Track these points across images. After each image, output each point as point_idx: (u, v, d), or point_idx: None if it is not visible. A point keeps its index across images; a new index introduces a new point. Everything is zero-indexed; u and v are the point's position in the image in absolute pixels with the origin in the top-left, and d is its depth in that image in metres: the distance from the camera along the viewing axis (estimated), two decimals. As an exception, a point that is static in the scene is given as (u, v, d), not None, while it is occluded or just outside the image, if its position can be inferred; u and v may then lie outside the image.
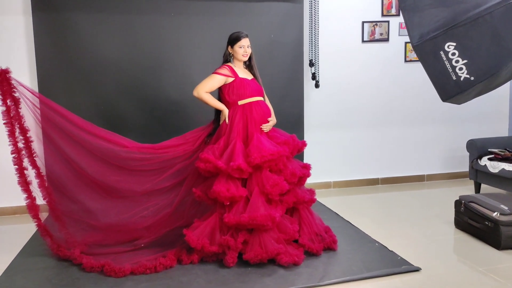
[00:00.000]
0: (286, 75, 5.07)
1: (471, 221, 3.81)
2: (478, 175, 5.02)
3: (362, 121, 5.46)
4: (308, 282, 3.03)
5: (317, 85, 5.14)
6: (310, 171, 3.63)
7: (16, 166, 3.25)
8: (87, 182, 3.50)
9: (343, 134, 5.43)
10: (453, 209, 4.09)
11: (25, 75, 4.54)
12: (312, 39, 5.10)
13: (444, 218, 4.28)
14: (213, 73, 3.53)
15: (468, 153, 5.20)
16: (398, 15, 5.32)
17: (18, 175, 3.26)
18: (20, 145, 3.26)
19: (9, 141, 3.24)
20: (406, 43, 5.42)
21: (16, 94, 3.24)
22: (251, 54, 3.60)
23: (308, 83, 5.20)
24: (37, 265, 3.39)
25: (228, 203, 3.33)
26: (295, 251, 3.31)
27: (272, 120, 3.60)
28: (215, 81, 3.50)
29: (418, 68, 5.46)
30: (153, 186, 3.56)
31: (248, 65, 3.65)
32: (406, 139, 5.63)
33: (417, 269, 3.20)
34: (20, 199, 3.34)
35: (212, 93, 3.54)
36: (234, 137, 3.46)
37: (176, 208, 3.59)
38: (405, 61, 5.48)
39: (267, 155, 3.31)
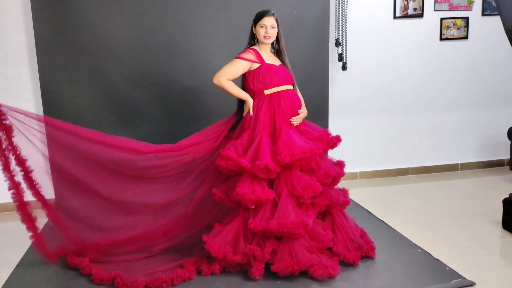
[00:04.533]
0: (309, 56, 4.60)
1: (522, 222, 3.44)
2: (519, 165, 4.62)
3: (392, 106, 5.01)
4: (347, 300, 2.67)
5: (344, 67, 4.68)
6: (344, 169, 3.24)
7: (17, 203, 2.93)
8: (103, 204, 3.17)
9: (370, 120, 4.99)
10: (495, 205, 3.73)
11: (24, 64, 4.17)
12: (339, 16, 4.62)
13: (487, 216, 3.86)
14: (236, 57, 3.09)
15: (508, 141, 4.78)
16: (434, -13, 4.83)
17: (20, 212, 2.94)
18: (19, 178, 2.93)
19: (4, 176, 2.89)
20: (442, 19, 4.91)
21: (7, 122, 2.86)
22: (279, 36, 3.16)
23: (333, 65, 4.74)
24: (39, 276, 3.03)
25: (253, 207, 2.95)
26: (329, 262, 2.92)
27: (303, 112, 3.17)
28: (239, 67, 3.07)
29: (454, 47, 5.02)
30: (175, 194, 3.20)
31: (277, 49, 3.20)
32: (439, 125, 5.17)
33: (471, 284, 2.80)
34: (28, 194, 2.99)
35: (235, 80, 3.12)
36: (259, 131, 3.04)
37: (194, 211, 3.21)
38: (441, 39, 4.97)
39: (298, 153, 2.90)
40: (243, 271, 2.98)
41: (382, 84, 4.93)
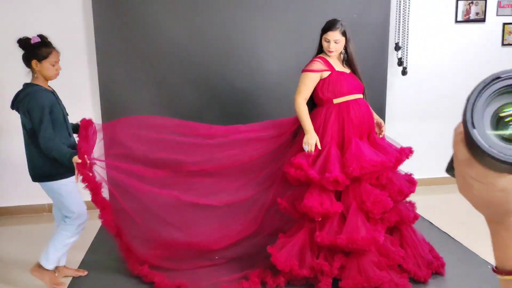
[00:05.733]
0: (367, 60, 4.41)
1: None
2: None
3: (452, 112, 4.78)
4: (421, 321, 2.57)
5: (404, 72, 4.55)
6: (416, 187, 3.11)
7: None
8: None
9: (429, 126, 4.84)
10: None
11: (83, 64, 4.19)
12: (399, 19, 4.49)
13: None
14: (303, 71, 3.00)
15: None
16: (498, -9, 4.64)
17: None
18: None
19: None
20: (504, 24, 4.73)
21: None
22: (348, 47, 3.02)
23: (391, 69, 4.61)
24: (100, 283, 3.05)
25: (320, 219, 2.87)
26: (400, 280, 2.82)
27: (381, 121, 3.12)
28: (310, 81, 2.98)
29: (518, 53, 4.83)
30: (233, 198, 3.18)
31: (346, 59, 3.08)
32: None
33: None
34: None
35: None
36: (328, 142, 2.96)
37: (262, 219, 3.18)
38: (503, 44, 4.78)
39: (368, 166, 2.80)
40: (309, 284, 2.92)
41: (442, 89, 4.78)
